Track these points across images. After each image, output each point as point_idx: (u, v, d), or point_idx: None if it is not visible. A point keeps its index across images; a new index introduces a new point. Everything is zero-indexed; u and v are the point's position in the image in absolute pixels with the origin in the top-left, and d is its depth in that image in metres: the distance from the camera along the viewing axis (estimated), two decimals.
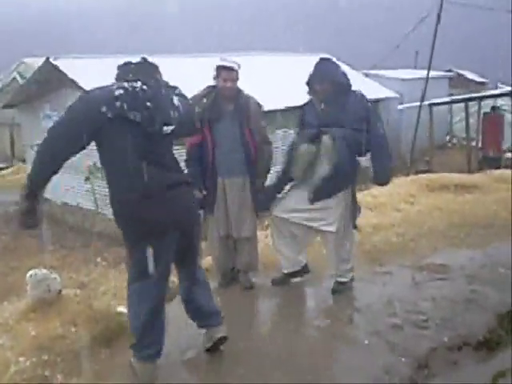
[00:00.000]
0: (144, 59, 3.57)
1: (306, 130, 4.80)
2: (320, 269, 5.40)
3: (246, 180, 4.91)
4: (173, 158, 3.64)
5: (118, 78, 3.52)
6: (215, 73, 4.80)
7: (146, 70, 3.53)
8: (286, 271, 5.14)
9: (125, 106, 3.29)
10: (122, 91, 3.32)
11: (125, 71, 3.52)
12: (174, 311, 4.30)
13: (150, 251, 3.45)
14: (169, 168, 3.54)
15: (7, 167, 24.92)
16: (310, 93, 4.84)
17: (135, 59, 3.57)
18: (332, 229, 4.79)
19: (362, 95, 4.79)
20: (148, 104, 3.33)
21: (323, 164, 4.62)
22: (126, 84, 3.37)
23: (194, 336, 4.14)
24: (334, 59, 5.12)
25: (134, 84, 3.37)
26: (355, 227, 5.00)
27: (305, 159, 4.64)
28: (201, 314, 3.94)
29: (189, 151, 4.91)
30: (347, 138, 4.60)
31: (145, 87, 3.37)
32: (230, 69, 4.74)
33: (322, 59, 4.81)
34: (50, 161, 3.40)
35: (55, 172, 3.41)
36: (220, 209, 4.92)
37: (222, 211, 4.92)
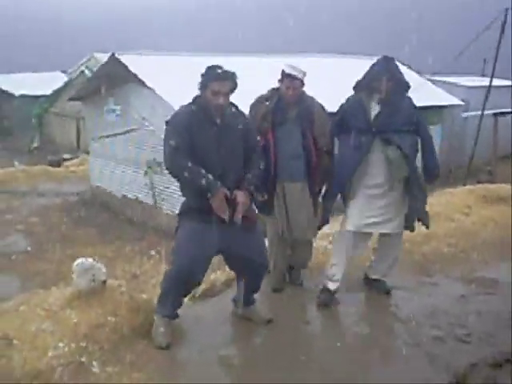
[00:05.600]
0: None
1: (354, 135, 4.65)
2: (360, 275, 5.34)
3: (305, 184, 4.83)
4: None
5: None
6: (280, 77, 4.74)
7: None
8: (333, 288, 4.88)
9: None
10: None
11: None
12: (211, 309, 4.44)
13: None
14: None
15: (72, 158, 25.63)
16: (362, 92, 4.70)
17: None
18: (399, 229, 4.85)
19: (410, 98, 4.77)
20: None
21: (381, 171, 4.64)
22: None
23: (228, 334, 4.19)
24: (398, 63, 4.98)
25: None
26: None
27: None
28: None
29: None
30: (410, 145, 4.61)
31: None
32: (294, 77, 4.65)
33: (384, 57, 4.67)
34: None
35: None
36: (281, 212, 4.86)
37: (283, 214, 4.86)
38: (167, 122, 4.05)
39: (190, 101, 4.10)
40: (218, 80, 3.93)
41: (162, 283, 4.20)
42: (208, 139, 3.98)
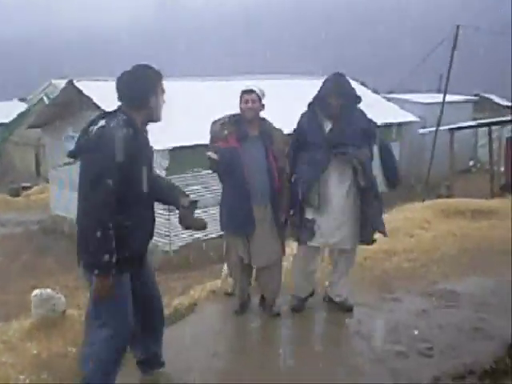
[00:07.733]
0: None
1: (311, 150, 4.74)
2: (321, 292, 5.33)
3: (269, 207, 4.75)
4: None
5: None
6: (239, 97, 4.79)
7: None
8: (303, 296, 5.06)
9: None
10: None
11: None
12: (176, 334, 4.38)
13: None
14: None
15: (31, 186, 25.29)
16: (315, 108, 4.82)
17: None
18: (350, 245, 4.88)
19: (361, 110, 4.89)
20: None
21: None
22: None
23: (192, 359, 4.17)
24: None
25: None
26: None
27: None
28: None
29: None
30: (365, 155, 4.71)
31: None
32: (250, 91, 4.74)
33: (337, 73, 4.79)
34: None
35: None
36: (243, 235, 4.80)
37: (244, 238, 4.79)
38: (109, 147, 3.14)
39: (119, 122, 3.24)
40: (162, 78, 3.46)
41: (98, 355, 3.30)
42: (139, 167, 3.34)
